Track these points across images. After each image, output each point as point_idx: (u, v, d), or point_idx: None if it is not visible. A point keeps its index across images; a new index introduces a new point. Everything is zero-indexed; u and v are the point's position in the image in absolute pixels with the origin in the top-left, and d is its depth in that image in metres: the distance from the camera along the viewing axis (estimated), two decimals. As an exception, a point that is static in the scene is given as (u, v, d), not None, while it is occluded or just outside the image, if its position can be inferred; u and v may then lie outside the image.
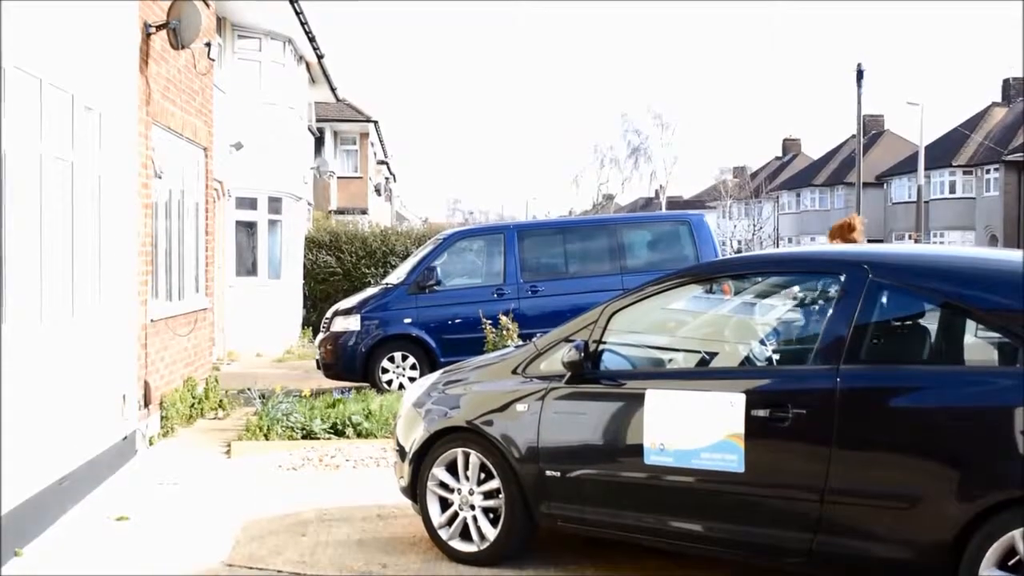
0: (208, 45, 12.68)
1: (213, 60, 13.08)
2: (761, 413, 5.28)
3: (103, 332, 8.69)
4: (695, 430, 5.48)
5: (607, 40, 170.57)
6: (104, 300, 8.76)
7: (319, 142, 33.52)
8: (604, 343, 6.05)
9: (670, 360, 6.34)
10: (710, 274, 6.73)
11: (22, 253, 6.93)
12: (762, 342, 6.14)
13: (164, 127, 11.21)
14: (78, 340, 8.05)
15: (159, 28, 10.64)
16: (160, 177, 11.04)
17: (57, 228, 7.70)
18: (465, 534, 6.44)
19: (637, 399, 5.73)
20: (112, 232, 8.95)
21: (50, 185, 7.46)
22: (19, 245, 6.86)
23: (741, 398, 5.35)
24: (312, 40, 22.67)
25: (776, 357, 5.94)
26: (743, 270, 6.66)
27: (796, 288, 6.42)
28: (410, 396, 7.15)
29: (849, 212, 44.72)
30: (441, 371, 7.29)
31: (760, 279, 6.47)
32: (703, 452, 5.45)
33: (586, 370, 5.99)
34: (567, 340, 6.16)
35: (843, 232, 9.40)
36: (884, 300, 5.33)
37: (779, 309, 6.50)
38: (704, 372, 5.99)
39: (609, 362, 6.06)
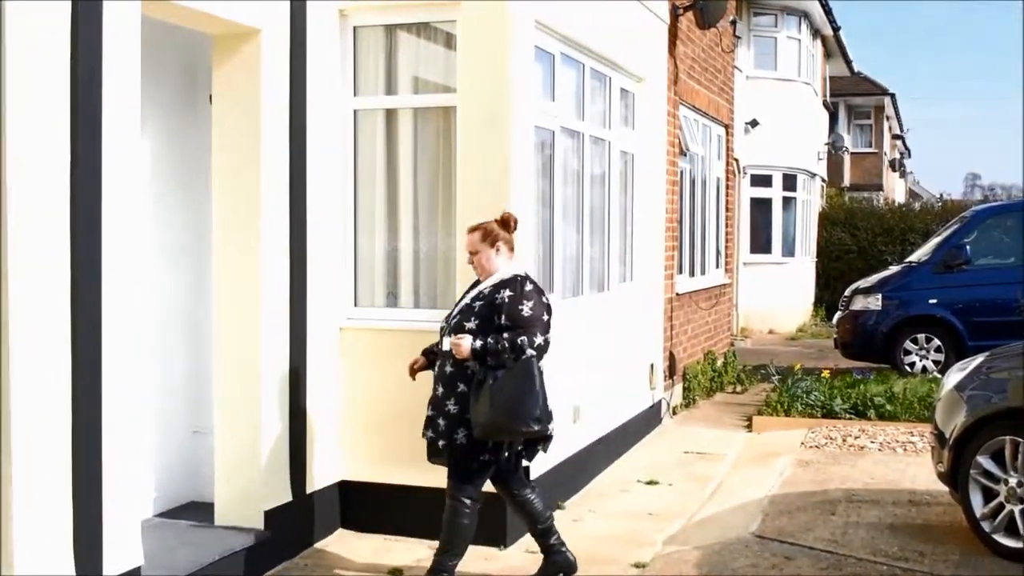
0: (733, 23, 12.81)
1: (739, 38, 13.20)
2: None
3: (633, 304, 9.07)
4: None
5: None
6: (634, 273, 9.15)
7: (832, 117, 32.82)
8: None
9: None
10: None
11: (568, 230, 7.41)
12: None
13: (689, 105, 11.47)
14: (611, 312, 8.46)
15: (686, 9, 10.91)
16: (685, 155, 11.32)
17: (594, 205, 8.15)
18: (1011, 528, 6.00)
19: None
20: (641, 208, 9.31)
21: (588, 163, 7.90)
22: (565, 221, 7.34)
23: None
24: (828, 13, 22.27)
25: None
26: None
27: None
28: (951, 380, 6.78)
29: None
30: (985, 354, 6.83)
31: None
32: None
33: None
34: None
35: None
36: None
37: None
38: None
39: None
